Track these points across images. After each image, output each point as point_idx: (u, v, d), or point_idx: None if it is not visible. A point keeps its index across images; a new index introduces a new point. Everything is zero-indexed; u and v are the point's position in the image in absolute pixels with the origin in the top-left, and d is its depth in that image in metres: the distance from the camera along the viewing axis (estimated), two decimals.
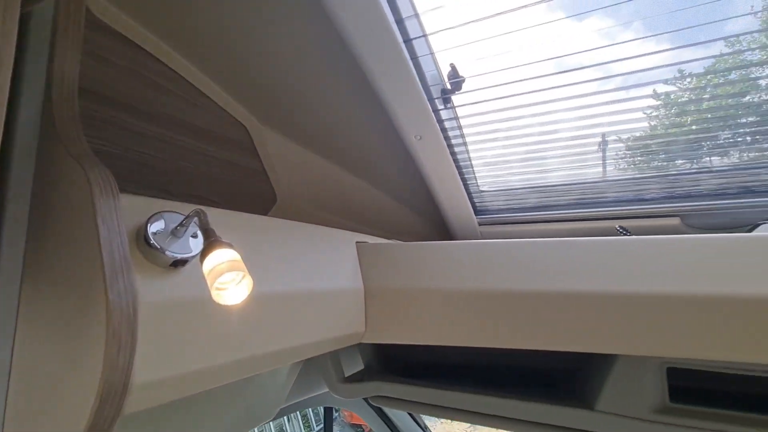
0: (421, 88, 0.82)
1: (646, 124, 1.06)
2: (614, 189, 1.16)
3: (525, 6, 0.79)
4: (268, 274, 0.59)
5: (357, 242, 0.84)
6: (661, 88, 0.97)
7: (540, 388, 0.89)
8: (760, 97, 0.98)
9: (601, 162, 1.15)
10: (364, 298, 0.78)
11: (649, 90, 0.97)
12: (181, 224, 0.48)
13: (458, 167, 1.09)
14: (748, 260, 0.58)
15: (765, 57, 0.90)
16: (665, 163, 1.14)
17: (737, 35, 0.85)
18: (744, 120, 1.03)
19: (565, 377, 0.91)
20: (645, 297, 0.62)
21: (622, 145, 1.13)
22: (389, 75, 0.79)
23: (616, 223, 1.05)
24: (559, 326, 0.67)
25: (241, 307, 0.44)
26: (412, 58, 0.79)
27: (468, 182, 1.20)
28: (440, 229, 1.37)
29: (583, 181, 1.18)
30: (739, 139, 1.05)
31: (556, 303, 0.67)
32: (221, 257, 0.39)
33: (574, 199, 1.20)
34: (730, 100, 0.99)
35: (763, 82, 0.97)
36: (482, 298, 0.71)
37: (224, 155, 1.07)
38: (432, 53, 0.84)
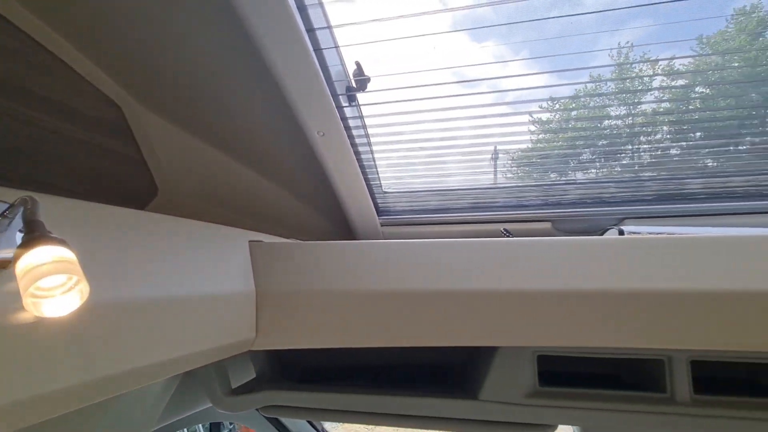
0: (325, 82, 0.79)
1: (528, 138, 1.19)
2: (502, 195, 1.27)
3: (430, 12, 0.82)
4: (136, 277, 0.50)
5: (250, 241, 0.78)
6: (537, 113, 1.11)
7: (434, 383, 0.93)
8: (610, 124, 1.17)
9: (493, 170, 1.26)
10: (256, 301, 0.72)
11: (532, 107, 1.10)
12: (2, 215, 0.37)
13: (362, 167, 1.09)
14: (601, 259, 0.67)
15: (615, 91, 1.08)
16: (541, 175, 1.30)
17: (612, 61, 1.00)
18: (600, 142, 1.23)
19: (455, 371, 0.97)
20: (521, 293, 0.68)
21: (509, 156, 1.25)
22: (290, 64, 0.74)
23: (501, 226, 1.16)
24: (450, 322, 0.70)
25: (79, 318, 0.35)
26: (315, 50, 0.76)
27: (371, 182, 1.20)
28: (343, 229, 1.35)
29: (477, 186, 1.27)
30: (595, 158, 1.25)
31: (447, 301, 0.70)
32: (43, 256, 0.31)
33: (469, 203, 1.29)
34: (589, 124, 1.17)
35: (613, 112, 1.16)
36: (380, 298, 0.71)
37: (91, 138, 0.90)
38: (337, 47, 0.82)
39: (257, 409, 0.91)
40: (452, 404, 0.81)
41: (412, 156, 1.22)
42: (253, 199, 1.04)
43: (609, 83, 1.08)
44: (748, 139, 1.11)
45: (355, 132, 1.01)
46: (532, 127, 1.17)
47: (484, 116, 1.07)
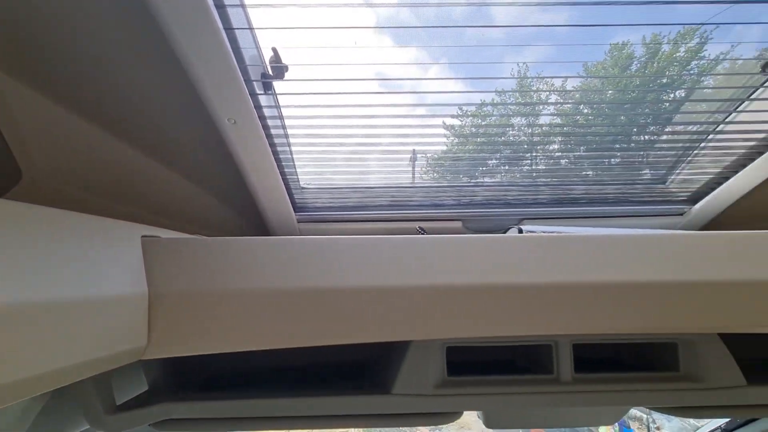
0: (236, 65, 0.73)
1: (443, 141, 1.25)
2: (418, 195, 1.32)
3: (353, 5, 0.80)
4: None
5: (143, 237, 0.68)
6: (450, 120, 1.18)
7: (349, 380, 0.93)
8: (514, 133, 1.29)
9: (409, 170, 1.29)
10: (149, 304, 0.63)
11: (448, 113, 1.15)
12: None
13: (278, 160, 1.04)
14: (502, 255, 0.73)
15: (519, 102, 1.19)
16: (454, 177, 1.37)
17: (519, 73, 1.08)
18: (505, 150, 1.34)
19: (369, 367, 0.97)
20: (434, 288, 0.71)
21: (426, 158, 1.30)
22: (196, 41, 0.67)
23: (417, 225, 1.20)
24: (365, 319, 0.70)
25: None
26: (226, 29, 0.70)
27: (288, 177, 1.15)
28: (257, 225, 1.28)
29: (395, 185, 1.30)
30: (501, 164, 1.36)
31: (363, 298, 0.70)
32: None
33: (387, 202, 1.31)
34: (498, 131, 1.27)
35: (516, 122, 1.28)
36: (293, 297, 0.67)
37: None
38: (251, 28, 0.76)
39: (152, 426, 0.81)
40: (366, 401, 0.81)
41: (332, 152, 1.20)
42: (149, 189, 0.92)
43: (513, 96, 1.19)
44: (618, 153, 1.30)
45: (270, 122, 0.96)
46: (447, 132, 1.24)
47: (402, 116, 1.09)
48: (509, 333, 0.74)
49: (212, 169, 1.02)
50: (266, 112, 0.91)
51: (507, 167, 1.38)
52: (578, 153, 1.32)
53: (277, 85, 0.94)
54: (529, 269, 0.72)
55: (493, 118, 1.27)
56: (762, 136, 1.06)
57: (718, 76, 1.09)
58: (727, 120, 1.09)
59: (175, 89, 0.77)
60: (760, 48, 0.97)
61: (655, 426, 4.74)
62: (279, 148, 1.05)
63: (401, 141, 1.17)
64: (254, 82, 0.84)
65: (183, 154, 0.91)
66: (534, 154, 1.33)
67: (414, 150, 1.26)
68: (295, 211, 1.23)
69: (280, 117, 1.01)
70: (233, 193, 1.13)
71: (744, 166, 1.13)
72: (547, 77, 1.13)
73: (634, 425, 4.74)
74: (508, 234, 1.15)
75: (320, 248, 0.71)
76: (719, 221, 1.26)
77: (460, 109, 1.19)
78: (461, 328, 0.72)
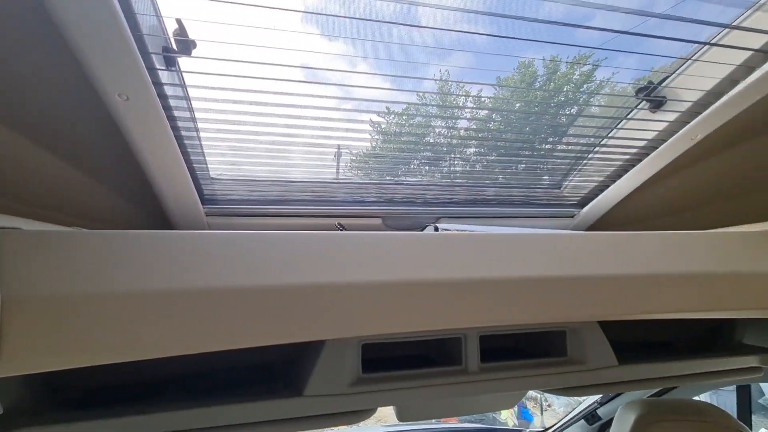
0: (129, 31, 0.63)
1: (368, 137, 1.24)
2: (340, 191, 1.29)
3: None
4: None
5: None
6: (375, 118, 1.18)
7: (262, 384, 0.87)
8: (432, 139, 1.33)
9: (331, 165, 1.26)
10: (0, 311, 0.52)
11: (373, 112, 1.15)
12: None
13: (182, 145, 0.93)
14: (419, 252, 0.74)
15: (435, 109, 1.23)
16: (376, 175, 1.38)
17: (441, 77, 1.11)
18: (426, 152, 1.38)
19: (284, 369, 0.93)
20: (351, 285, 0.69)
21: (350, 154, 1.28)
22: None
23: (336, 221, 1.18)
24: (279, 319, 0.66)
25: None
26: None
27: (196, 165, 1.05)
28: (157, 219, 1.14)
29: (316, 180, 1.26)
30: (421, 165, 1.40)
31: (277, 297, 0.65)
32: None
33: (306, 197, 1.27)
34: (423, 131, 1.30)
35: (436, 125, 1.32)
36: (196, 298, 0.60)
37: None
38: None
39: None
40: (277, 405, 0.76)
41: (248, 141, 1.11)
42: (22, 176, 0.76)
43: (435, 100, 1.23)
44: (523, 160, 1.42)
45: (174, 103, 0.85)
46: (372, 129, 1.23)
47: (323, 108, 1.06)
48: (424, 328, 0.76)
49: (101, 153, 0.88)
50: (168, 90, 0.81)
51: (427, 168, 1.42)
52: (490, 158, 1.42)
53: (183, 63, 0.84)
54: (443, 266, 0.75)
55: (417, 119, 1.30)
56: (635, 150, 1.25)
57: (603, 98, 1.26)
58: (609, 135, 1.25)
59: (52, 56, 0.64)
60: (636, 76, 1.14)
61: (547, 404, 5.35)
62: (185, 133, 0.95)
63: (322, 134, 1.13)
64: (153, 55, 0.74)
65: (65, 134, 0.77)
66: (452, 157, 1.39)
67: (339, 146, 1.24)
68: (203, 204, 1.12)
69: (187, 98, 0.91)
70: (128, 181, 0.99)
71: (621, 176, 1.31)
72: (467, 82, 1.19)
73: (530, 405, 5.30)
74: (426, 232, 1.19)
75: (230, 244, 0.65)
76: (603, 223, 1.45)
77: (387, 108, 1.20)
78: (378, 325, 0.72)
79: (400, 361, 0.88)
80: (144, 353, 0.59)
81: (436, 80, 1.13)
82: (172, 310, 0.59)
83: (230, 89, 0.94)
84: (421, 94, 1.20)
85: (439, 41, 0.98)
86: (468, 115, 1.30)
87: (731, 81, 0.99)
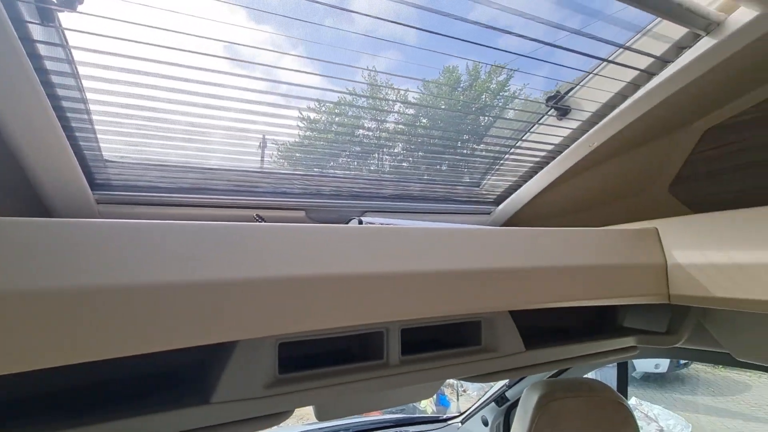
0: None
1: (295, 126, 1.18)
2: (263, 181, 1.21)
3: None
4: None
5: None
6: (306, 111, 1.13)
7: (166, 393, 0.77)
8: (362, 132, 1.32)
9: (257, 154, 1.18)
10: None
11: (302, 104, 1.09)
12: None
13: (64, 119, 0.79)
14: (340, 245, 0.72)
15: (366, 104, 1.21)
16: (301, 167, 1.32)
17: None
18: (353, 147, 1.36)
19: (192, 375, 0.84)
20: (268, 280, 0.64)
21: (276, 144, 1.21)
22: None
23: (255, 212, 1.10)
24: (185, 321, 0.59)
25: None
26: None
27: (84, 145, 0.90)
28: (33, 206, 0.95)
29: (237, 169, 1.16)
30: (349, 159, 1.37)
31: (179, 295, 0.58)
32: None
33: (224, 185, 1.17)
34: (354, 123, 1.27)
35: (365, 121, 1.31)
36: (71, 297, 0.51)
37: None
38: None
39: None
40: (181, 415, 0.68)
41: (155, 120, 0.98)
42: None
43: (366, 94, 1.21)
44: (447, 159, 1.47)
45: (53, 67, 0.72)
46: (300, 122, 1.17)
47: (243, 88, 0.98)
48: (347, 323, 0.74)
49: None
50: (43, 50, 0.67)
51: (355, 162, 1.40)
52: (416, 155, 1.44)
53: (66, 19, 0.71)
54: (366, 259, 0.73)
55: (347, 111, 1.27)
56: (544, 153, 1.36)
57: (519, 104, 1.35)
58: (522, 138, 1.35)
59: None
60: (549, 86, 1.24)
61: (462, 389, 5.72)
62: (69, 104, 0.80)
63: (245, 119, 1.04)
64: (21, 2, 0.60)
65: None
66: (380, 152, 1.38)
67: (264, 134, 1.16)
68: (93, 189, 0.97)
69: (71, 61, 0.76)
70: None
71: (531, 176, 1.43)
72: (396, 75, 1.19)
73: (447, 391, 5.62)
74: (350, 225, 1.17)
75: (124, 234, 0.56)
76: (516, 219, 1.56)
77: (318, 102, 1.15)
78: (297, 323, 0.68)
79: (321, 359, 0.85)
80: (15, 365, 0.48)
81: (367, 70, 1.11)
82: (52, 313, 0.49)
83: (129, 57, 0.81)
84: (350, 88, 1.18)
85: (373, 34, 0.96)
86: (396, 112, 1.30)
87: (622, 96, 1.13)
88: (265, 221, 1.09)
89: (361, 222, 1.11)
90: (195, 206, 1.13)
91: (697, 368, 8.43)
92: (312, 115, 1.19)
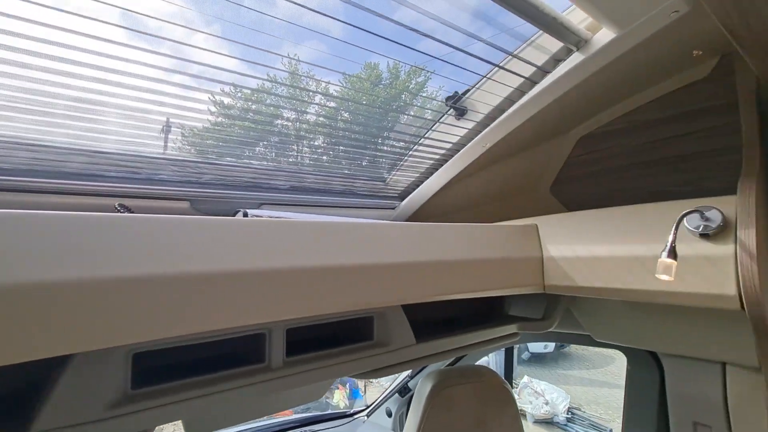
0: None
1: (206, 114, 1.04)
2: (144, 167, 1.05)
3: None
4: None
5: None
6: (219, 96, 1.01)
7: None
8: (280, 124, 1.22)
9: (161, 138, 1.02)
10: None
11: (213, 88, 0.97)
12: None
13: None
14: (220, 240, 0.64)
15: (286, 93, 1.12)
16: (187, 152, 1.17)
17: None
18: (273, 139, 1.26)
19: (8, 404, 0.68)
20: (126, 280, 0.54)
21: (181, 129, 1.06)
22: None
23: (118, 201, 0.95)
24: (12, 331, 0.46)
25: None
26: None
27: None
28: None
29: (98, 151, 0.98)
30: (241, 146, 1.26)
31: (8, 298, 0.46)
32: None
33: (80, 169, 0.98)
34: (262, 118, 1.16)
35: (286, 114, 1.22)
36: None
37: None
38: None
39: None
40: None
41: (32, 92, 0.78)
42: None
43: (269, 80, 1.11)
44: (351, 152, 1.44)
45: None
46: (209, 106, 1.04)
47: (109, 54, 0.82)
48: (222, 326, 0.66)
49: None
50: None
51: (250, 151, 1.29)
52: (318, 145, 1.39)
53: None
54: (249, 255, 0.66)
55: (247, 96, 1.16)
56: (443, 151, 1.41)
57: (422, 103, 1.37)
58: (425, 135, 1.38)
59: None
60: (453, 87, 1.28)
61: (369, 381, 5.84)
62: None
63: (132, 95, 0.88)
64: None
65: None
66: (284, 144, 1.30)
67: (168, 119, 1.00)
68: None
69: None
70: None
71: (432, 173, 1.47)
72: (312, 64, 1.11)
73: (361, 384, 5.68)
74: (237, 218, 1.07)
75: None
76: (419, 215, 1.60)
77: (228, 88, 1.03)
78: (154, 330, 0.58)
79: (196, 366, 0.75)
80: None
81: (284, 57, 1.03)
82: None
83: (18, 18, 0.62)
84: (272, 75, 1.08)
85: (295, 21, 0.89)
86: (307, 101, 1.23)
87: (510, 101, 1.21)
88: (131, 211, 0.94)
89: (246, 215, 1.03)
90: (41, 192, 0.93)
91: (576, 346, 9.79)
92: (223, 100, 1.07)
